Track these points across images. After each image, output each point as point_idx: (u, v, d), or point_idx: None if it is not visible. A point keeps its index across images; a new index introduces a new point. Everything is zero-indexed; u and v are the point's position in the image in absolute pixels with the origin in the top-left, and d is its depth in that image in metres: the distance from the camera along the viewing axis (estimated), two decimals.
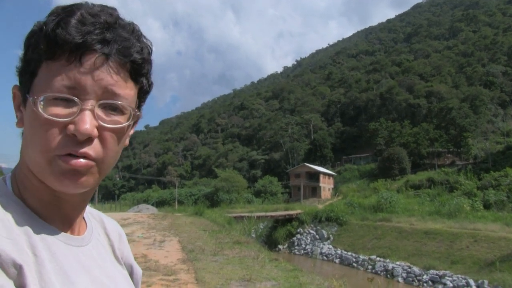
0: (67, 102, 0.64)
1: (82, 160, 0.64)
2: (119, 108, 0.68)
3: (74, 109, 0.64)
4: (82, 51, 0.64)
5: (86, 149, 0.64)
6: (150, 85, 0.76)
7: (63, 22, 0.64)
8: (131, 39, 0.69)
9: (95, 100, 0.65)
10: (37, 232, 0.65)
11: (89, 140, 0.64)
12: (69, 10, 0.66)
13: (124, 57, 0.68)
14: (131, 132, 0.76)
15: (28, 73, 0.67)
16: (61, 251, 0.68)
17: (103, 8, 0.68)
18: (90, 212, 0.87)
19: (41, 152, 0.64)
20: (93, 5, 0.68)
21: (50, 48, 0.64)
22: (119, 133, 0.69)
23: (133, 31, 0.70)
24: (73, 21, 0.64)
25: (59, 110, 0.63)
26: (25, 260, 0.60)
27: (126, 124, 0.69)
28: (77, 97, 0.64)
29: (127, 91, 0.69)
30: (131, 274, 0.89)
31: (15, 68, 0.71)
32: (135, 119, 0.72)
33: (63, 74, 0.64)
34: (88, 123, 0.63)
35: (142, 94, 0.75)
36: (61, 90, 0.63)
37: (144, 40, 0.72)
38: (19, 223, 0.64)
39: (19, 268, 0.59)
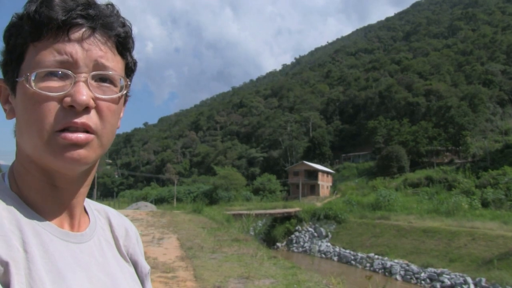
0: (59, 77, 0.64)
1: (81, 136, 0.64)
2: (110, 79, 0.69)
3: (67, 82, 0.64)
4: (68, 26, 0.65)
5: (85, 119, 0.65)
6: (134, 63, 0.78)
7: (45, 1, 0.65)
8: (113, 16, 0.71)
9: (87, 73, 0.66)
10: (31, 228, 0.64)
11: (86, 111, 0.65)
12: None
13: (109, 31, 0.70)
14: (121, 114, 0.77)
15: (14, 60, 0.67)
16: (56, 247, 0.66)
17: None
18: (96, 208, 0.86)
19: (38, 131, 0.64)
20: None
21: (35, 29, 0.64)
22: (114, 104, 0.70)
23: (113, 10, 0.72)
24: (56, 0, 0.65)
25: (52, 83, 0.64)
26: (14, 256, 0.59)
27: (119, 94, 0.71)
28: (69, 71, 0.65)
29: (115, 64, 0.70)
30: (137, 270, 0.87)
31: None
32: (127, 90, 0.73)
33: (52, 50, 0.64)
34: (84, 93, 0.64)
35: (128, 72, 0.77)
36: (53, 65, 0.64)
37: (124, 20, 0.74)
38: (13, 219, 0.63)
39: (5, 265, 0.58)
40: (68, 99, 0.63)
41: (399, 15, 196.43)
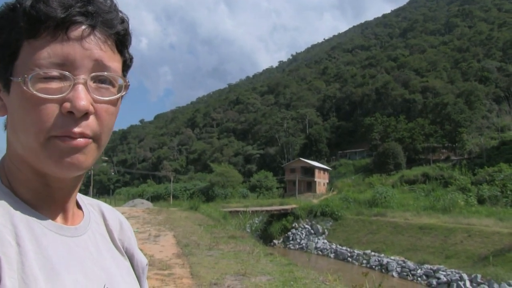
0: (58, 78, 0.61)
1: (81, 140, 0.62)
2: (109, 80, 0.66)
3: (66, 83, 0.61)
4: (67, 24, 0.62)
5: (83, 129, 0.62)
6: (131, 59, 0.75)
7: None
8: (112, 12, 0.67)
9: (86, 74, 0.63)
10: (24, 222, 0.63)
11: (85, 116, 0.62)
12: None
13: (109, 29, 0.66)
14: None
15: (6, 56, 0.64)
16: (50, 241, 0.65)
17: None
18: (90, 203, 0.85)
19: (35, 134, 0.61)
20: None
21: (31, 26, 0.61)
22: (112, 106, 0.67)
23: (111, 5, 0.68)
24: None
25: (51, 85, 0.61)
26: (6, 251, 0.58)
27: (119, 95, 0.68)
28: (68, 72, 0.62)
29: (115, 63, 0.67)
30: (133, 264, 0.85)
31: None
32: (126, 91, 0.70)
33: (49, 51, 0.61)
34: (83, 98, 0.61)
35: (125, 68, 0.74)
36: (51, 67, 0.61)
37: (122, 14, 0.71)
38: (5, 212, 0.62)
39: None
40: (67, 105, 0.60)
41: (396, 12, 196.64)
